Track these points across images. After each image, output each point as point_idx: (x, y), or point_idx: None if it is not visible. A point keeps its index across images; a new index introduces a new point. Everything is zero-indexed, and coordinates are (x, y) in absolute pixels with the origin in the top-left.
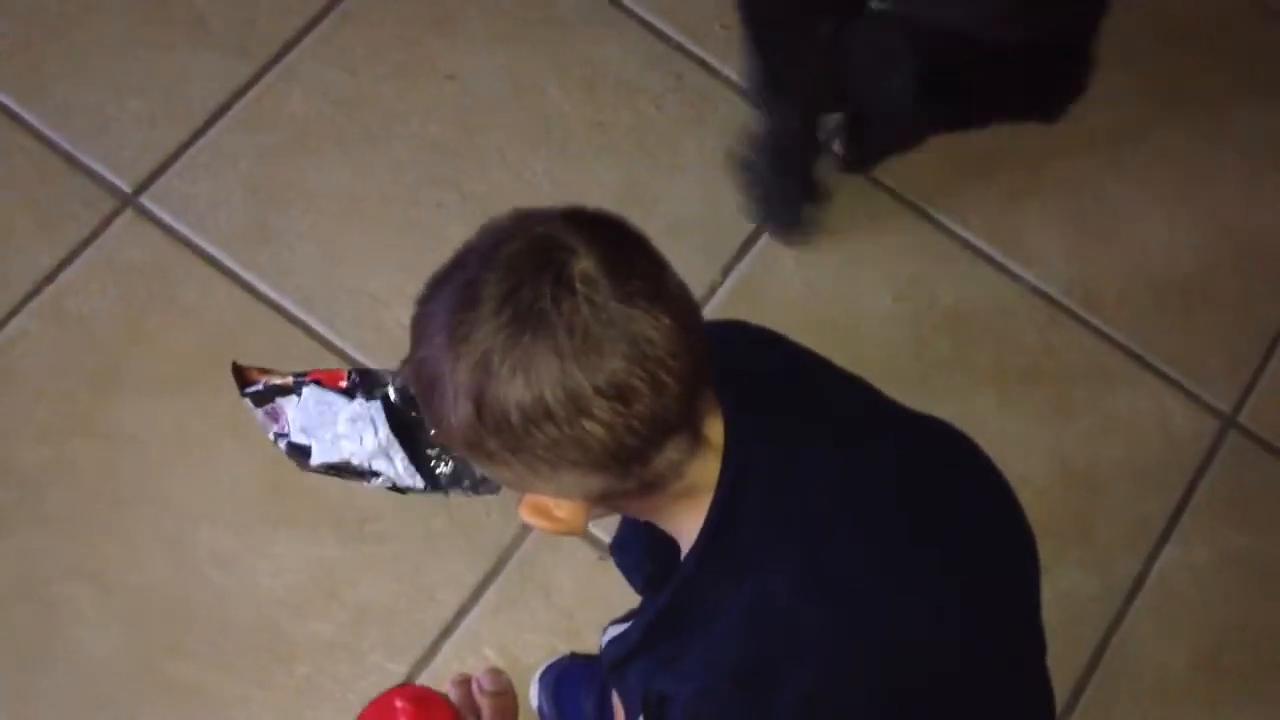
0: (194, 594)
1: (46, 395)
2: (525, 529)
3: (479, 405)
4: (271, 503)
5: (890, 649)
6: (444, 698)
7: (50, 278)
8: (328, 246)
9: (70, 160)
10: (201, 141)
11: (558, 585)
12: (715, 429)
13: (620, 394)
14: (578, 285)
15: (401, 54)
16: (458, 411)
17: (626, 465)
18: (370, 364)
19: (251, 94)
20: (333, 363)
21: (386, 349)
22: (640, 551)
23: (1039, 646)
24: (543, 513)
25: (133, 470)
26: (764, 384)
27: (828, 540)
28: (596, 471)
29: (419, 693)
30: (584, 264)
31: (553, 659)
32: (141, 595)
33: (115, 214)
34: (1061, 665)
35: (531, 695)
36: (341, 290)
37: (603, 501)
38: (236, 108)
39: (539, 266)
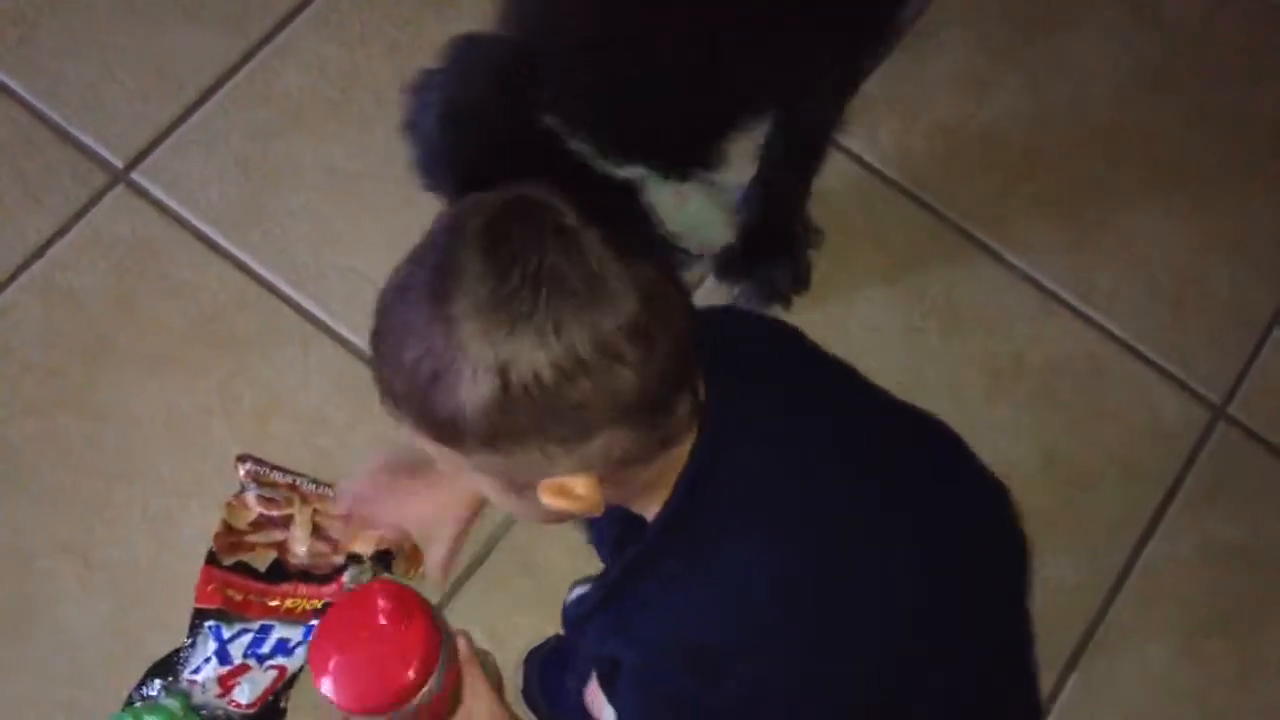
0: (179, 571)
1: (35, 369)
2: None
3: (504, 375)
4: None
5: (856, 648)
6: (423, 602)
7: (40, 252)
8: (320, 225)
9: (61, 134)
10: (194, 118)
11: (546, 568)
12: (699, 398)
13: (643, 335)
14: (579, 234)
15: (397, 32)
16: (478, 391)
17: (654, 414)
18: (360, 342)
19: (245, 70)
20: (325, 346)
21: None
22: (607, 522)
23: (1028, 638)
24: (564, 493)
25: (120, 446)
26: (745, 360)
27: (797, 528)
28: (626, 425)
29: (398, 590)
30: (570, 217)
31: (539, 641)
32: (126, 571)
33: (106, 189)
34: (1046, 654)
35: (518, 678)
36: (333, 269)
37: (615, 470)
38: (230, 84)
39: (531, 223)
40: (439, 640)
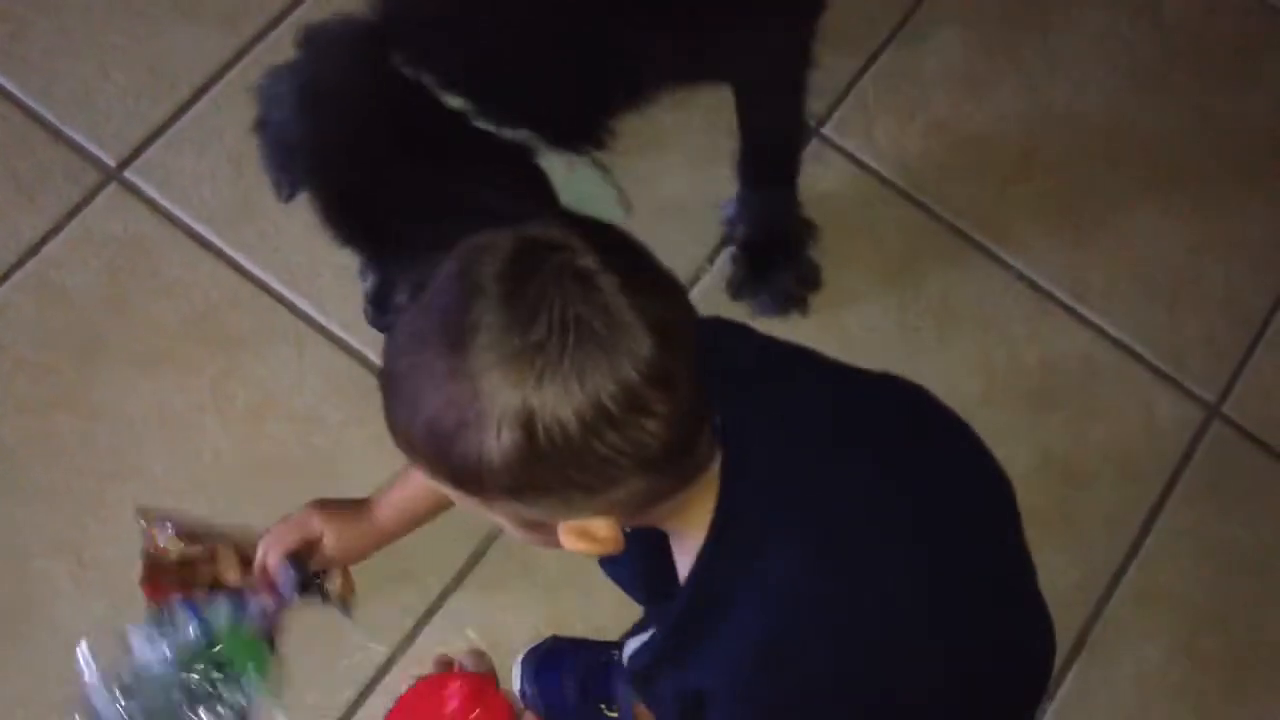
0: None
1: (28, 368)
2: None
3: (530, 429)
4: (253, 480)
5: (899, 609)
6: (494, 693)
7: (33, 250)
8: (312, 223)
9: (54, 132)
10: (187, 116)
11: (541, 568)
12: (714, 426)
13: (665, 380)
14: (597, 278)
15: None
16: (501, 445)
17: (677, 459)
18: (354, 341)
19: (238, 68)
20: (319, 345)
21: (371, 327)
22: (630, 561)
23: (1031, 572)
24: (586, 536)
25: (113, 445)
26: (744, 374)
27: (827, 516)
28: (647, 473)
29: (475, 681)
30: (587, 258)
31: (535, 641)
32: (120, 571)
33: (99, 187)
34: None
35: (514, 677)
36: (327, 267)
37: (637, 510)
38: (223, 82)
39: (548, 268)
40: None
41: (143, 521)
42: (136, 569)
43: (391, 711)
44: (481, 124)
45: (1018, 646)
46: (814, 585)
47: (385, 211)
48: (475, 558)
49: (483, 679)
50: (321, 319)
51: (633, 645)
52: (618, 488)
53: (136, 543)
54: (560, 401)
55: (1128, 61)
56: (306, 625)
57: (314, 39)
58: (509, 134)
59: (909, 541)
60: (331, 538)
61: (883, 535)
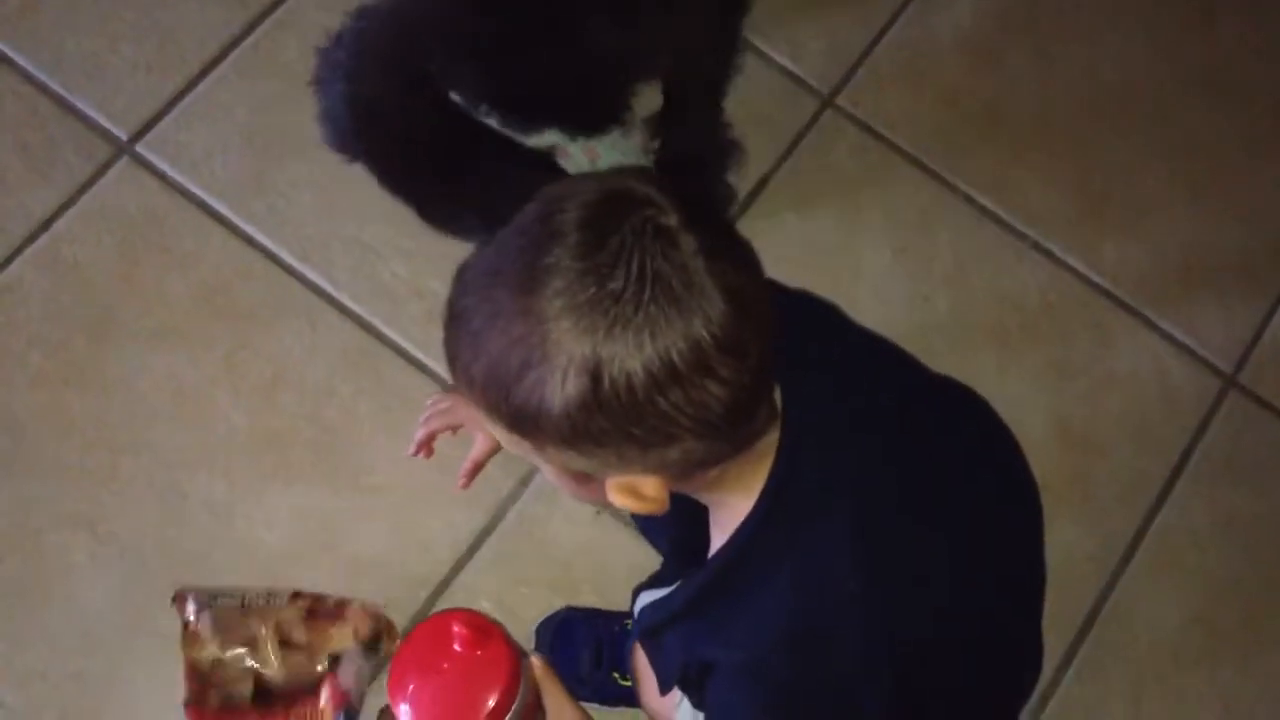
0: (187, 544)
1: (40, 343)
2: (523, 483)
3: (596, 378)
4: (267, 453)
5: (930, 611)
6: (499, 627)
7: (45, 226)
8: (324, 196)
9: (65, 107)
10: (198, 89)
11: (554, 539)
12: (775, 399)
13: (736, 347)
14: (678, 236)
15: None
16: (565, 391)
17: (737, 424)
18: (365, 313)
19: (248, 42)
20: (331, 318)
21: (383, 300)
22: (668, 520)
23: (1043, 587)
24: (633, 492)
25: (126, 419)
26: (817, 354)
27: (878, 510)
28: (704, 435)
29: (474, 618)
30: (670, 216)
31: (549, 612)
32: (135, 544)
33: (110, 162)
34: (1057, 623)
35: (528, 648)
36: (337, 240)
37: (687, 472)
38: (233, 55)
39: (632, 221)
40: (519, 665)
41: (179, 611)
42: (179, 687)
43: (396, 655)
44: (515, 138)
45: (1023, 665)
46: (855, 576)
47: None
48: (488, 530)
49: (487, 622)
50: (333, 291)
51: (647, 598)
52: (673, 447)
53: (151, 516)
54: (630, 354)
55: (1140, 31)
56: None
57: (355, 40)
58: (536, 140)
59: (954, 549)
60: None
61: (929, 540)
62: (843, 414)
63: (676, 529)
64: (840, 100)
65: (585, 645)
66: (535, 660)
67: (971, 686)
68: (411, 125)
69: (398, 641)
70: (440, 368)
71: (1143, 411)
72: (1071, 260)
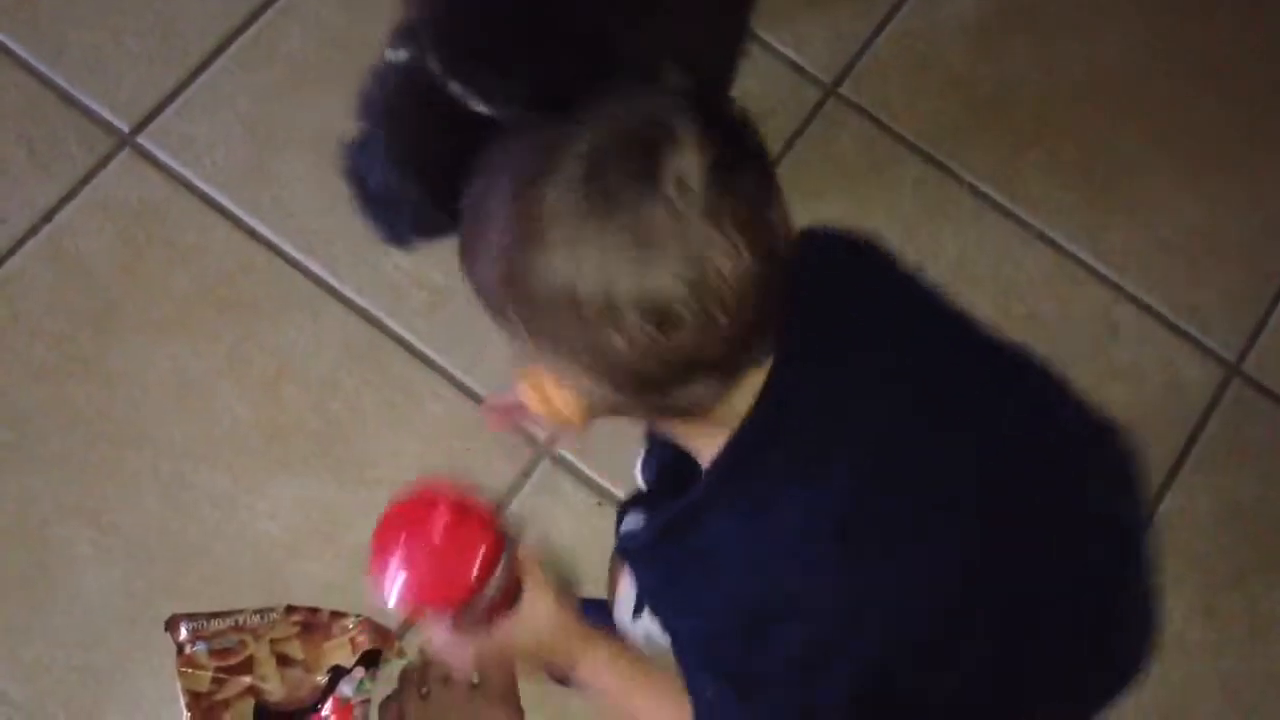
0: (191, 535)
1: (43, 335)
2: (523, 475)
3: (511, 268)
4: (270, 445)
5: (902, 588)
6: (484, 503)
7: (47, 217)
8: (327, 188)
9: (67, 99)
10: (200, 80)
11: (556, 530)
12: (760, 372)
13: (660, 317)
14: (667, 184)
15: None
16: (492, 265)
17: (640, 391)
18: (369, 305)
19: (249, 33)
20: (334, 310)
21: (386, 292)
22: (662, 443)
23: (1137, 581)
24: (539, 391)
25: (130, 411)
26: (822, 285)
27: (861, 499)
28: (607, 383)
29: (457, 492)
30: (683, 161)
31: None
32: (138, 536)
33: (112, 154)
34: None
35: None
36: (340, 232)
37: (607, 412)
38: (234, 46)
39: (635, 147)
40: (501, 539)
41: (172, 638)
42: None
43: (376, 531)
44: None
45: (1086, 670)
46: (828, 528)
47: None
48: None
49: (461, 491)
50: (336, 284)
51: (628, 523)
52: (574, 371)
53: (154, 508)
54: (543, 262)
55: (1141, 18)
56: (320, 585)
57: (380, 104)
58: None
59: (975, 543)
60: None
61: (933, 513)
62: (845, 371)
63: (668, 454)
64: (843, 89)
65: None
66: (526, 548)
67: (986, 704)
68: (458, 152)
69: (399, 647)
70: (445, 360)
71: (1147, 400)
72: (1075, 249)
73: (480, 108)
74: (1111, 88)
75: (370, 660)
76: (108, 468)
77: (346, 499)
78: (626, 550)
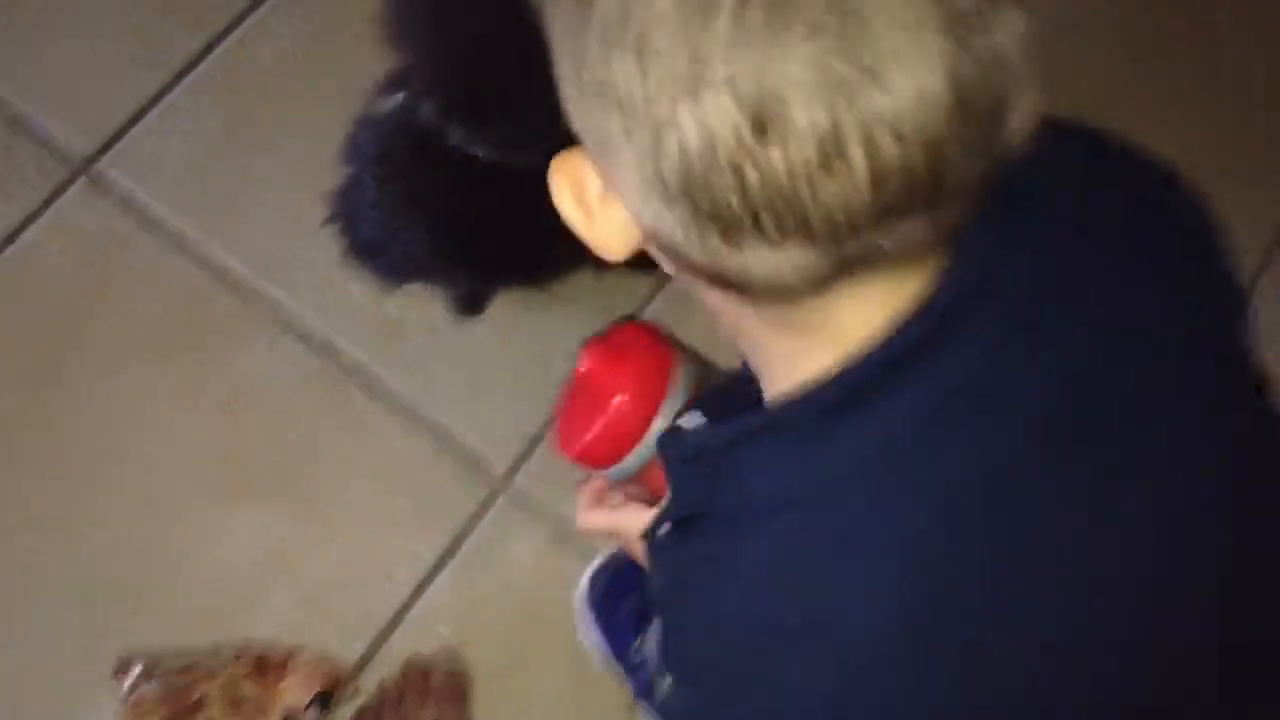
0: (148, 568)
1: (1, 364)
2: (484, 506)
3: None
4: (229, 475)
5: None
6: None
7: (8, 242)
8: (288, 215)
9: (24, 123)
10: (158, 108)
11: (516, 562)
12: (919, 274)
13: (759, 120)
14: None
15: (363, 22)
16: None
17: (704, 227)
18: (325, 333)
19: (209, 60)
20: (293, 338)
21: (346, 321)
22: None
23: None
24: (576, 185)
25: (89, 441)
26: (1024, 205)
27: (972, 501)
28: (655, 197)
29: (654, 331)
30: None
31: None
32: (93, 573)
33: (71, 179)
34: None
35: (578, 597)
36: (299, 259)
37: (659, 250)
38: (198, 70)
39: None
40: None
41: (120, 682)
42: None
43: (589, 351)
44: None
45: None
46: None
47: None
48: (448, 554)
49: (658, 333)
50: (296, 311)
51: (686, 420)
52: (623, 154)
53: (106, 545)
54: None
55: (1136, 18)
56: (277, 618)
57: (367, 155)
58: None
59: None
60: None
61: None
62: (1008, 336)
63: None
64: None
65: (629, 600)
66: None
67: None
68: (456, 197)
69: (354, 686)
70: (403, 391)
71: None
72: None
73: (480, 153)
74: (1105, 83)
75: (325, 700)
76: (64, 501)
77: (305, 531)
78: (680, 453)
